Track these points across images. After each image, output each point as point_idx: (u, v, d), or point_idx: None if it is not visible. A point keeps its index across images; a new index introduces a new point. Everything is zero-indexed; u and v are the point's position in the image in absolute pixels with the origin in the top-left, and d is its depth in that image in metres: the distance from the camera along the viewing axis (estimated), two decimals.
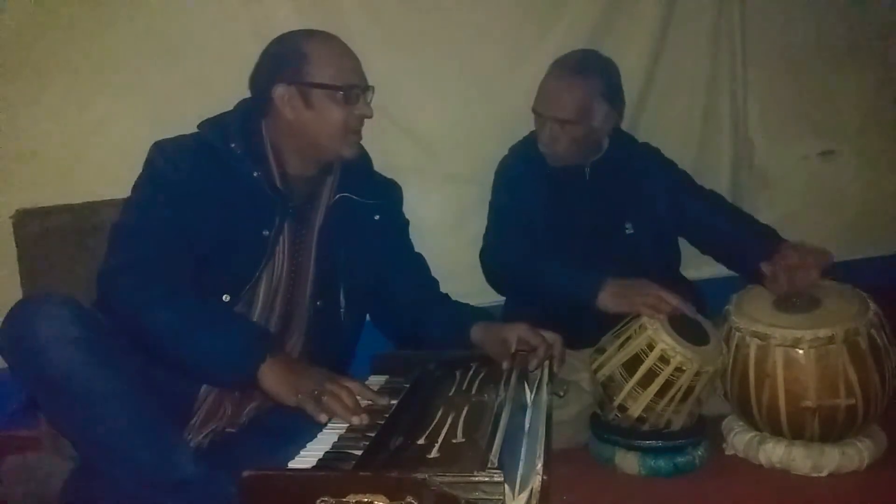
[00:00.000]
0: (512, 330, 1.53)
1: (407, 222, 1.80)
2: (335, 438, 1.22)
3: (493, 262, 1.97)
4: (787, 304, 1.76)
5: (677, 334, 1.68)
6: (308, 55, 1.54)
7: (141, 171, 1.52)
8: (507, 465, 1.01)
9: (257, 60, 1.59)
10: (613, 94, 1.98)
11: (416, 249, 1.78)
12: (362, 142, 1.65)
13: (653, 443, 1.71)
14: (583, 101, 1.92)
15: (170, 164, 1.50)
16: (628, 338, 1.72)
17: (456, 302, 1.72)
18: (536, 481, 1.03)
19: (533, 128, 2.09)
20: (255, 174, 1.52)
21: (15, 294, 1.72)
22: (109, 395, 1.28)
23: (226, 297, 1.49)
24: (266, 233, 1.52)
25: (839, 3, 2.57)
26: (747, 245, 1.94)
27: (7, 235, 1.73)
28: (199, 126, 1.56)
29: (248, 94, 1.62)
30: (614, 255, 1.95)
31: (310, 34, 1.59)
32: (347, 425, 1.26)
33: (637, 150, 2.12)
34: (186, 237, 1.46)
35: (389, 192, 1.76)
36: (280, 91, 1.54)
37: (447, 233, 2.19)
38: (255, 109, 1.59)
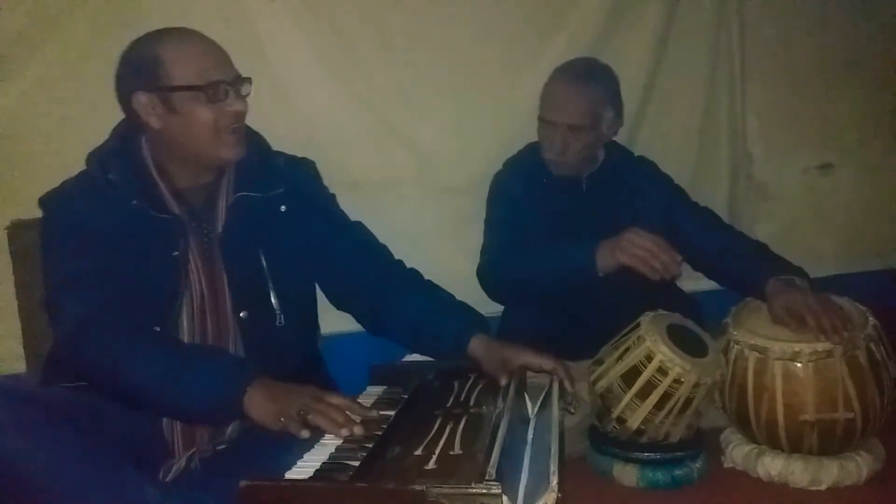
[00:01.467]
0: (517, 354, 1.49)
1: (331, 196, 1.73)
2: (332, 449, 1.21)
3: (494, 278, 1.96)
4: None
5: (675, 346, 1.68)
6: (161, 58, 1.44)
7: (40, 235, 1.50)
8: (506, 477, 1.01)
9: (115, 76, 1.51)
10: (617, 100, 2.00)
11: (412, 260, 1.74)
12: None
13: (651, 455, 1.71)
14: (593, 106, 1.93)
15: (60, 215, 1.47)
16: (627, 349, 1.72)
17: (443, 293, 1.67)
18: (551, 498, 1.02)
19: (530, 139, 2.09)
20: (133, 202, 1.45)
21: (11, 306, 1.72)
22: (57, 466, 1.21)
23: (157, 328, 1.45)
24: (175, 253, 1.47)
25: (838, 17, 2.58)
26: (740, 263, 1.93)
27: (2, 246, 1.72)
28: (85, 159, 1.52)
29: None
30: None
31: (162, 34, 1.48)
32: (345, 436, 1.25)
33: (633, 162, 2.12)
34: (112, 278, 1.42)
35: (293, 177, 1.64)
36: (140, 100, 1.46)
37: (444, 243, 2.19)
38: (130, 129, 1.52)
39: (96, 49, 1.83)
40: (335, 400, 1.30)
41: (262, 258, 1.54)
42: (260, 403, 1.31)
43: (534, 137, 2.10)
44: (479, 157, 2.21)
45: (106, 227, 1.45)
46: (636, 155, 2.17)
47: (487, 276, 1.97)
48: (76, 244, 1.45)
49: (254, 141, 1.60)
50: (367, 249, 1.70)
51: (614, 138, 2.11)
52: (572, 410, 1.51)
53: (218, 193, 1.55)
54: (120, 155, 1.51)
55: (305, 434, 1.25)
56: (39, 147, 1.82)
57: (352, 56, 2.09)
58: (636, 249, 1.71)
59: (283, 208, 1.59)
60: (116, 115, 1.82)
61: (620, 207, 2.03)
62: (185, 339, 1.49)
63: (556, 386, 1.44)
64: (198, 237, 1.52)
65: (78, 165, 1.55)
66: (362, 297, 1.68)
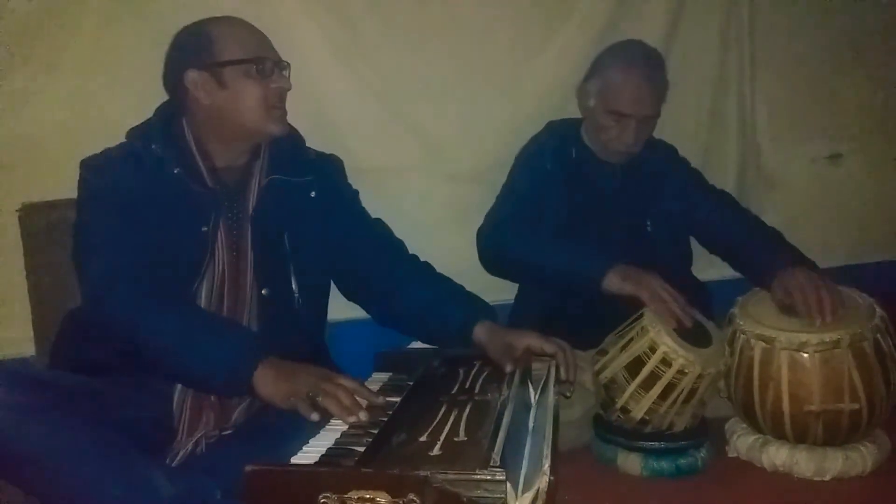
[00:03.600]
0: (520, 337, 1.52)
1: (354, 193, 1.77)
2: (338, 435, 1.22)
3: (496, 250, 1.94)
4: (792, 308, 1.75)
5: (679, 337, 1.68)
6: (212, 36, 1.53)
7: (77, 193, 1.53)
8: (509, 464, 1.01)
9: (165, 59, 1.59)
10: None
11: (418, 248, 1.76)
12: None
13: (655, 444, 1.71)
14: (661, 95, 1.95)
15: (100, 177, 1.51)
16: (630, 340, 1.72)
17: (449, 282, 1.70)
18: (543, 481, 1.03)
19: (538, 126, 2.09)
20: (175, 171, 1.51)
21: (21, 289, 1.73)
22: (64, 449, 1.23)
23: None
24: (204, 229, 1.51)
25: (847, 7, 2.56)
26: (755, 248, 1.93)
27: (13, 229, 1.73)
28: (126, 134, 1.57)
29: None
30: (634, 251, 1.93)
31: (211, 19, 1.58)
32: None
33: (655, 146, 2.11)
34: (142, 243, 1.46)
35: (324, 168, 1.71)
36: (192, 76, 1.53)
37: (450, 232, 2.18)
38: (174, 109, 1.59)
39: (105, 36, 1.83)
40: (345, 382, 1.31)
41: (286, 241, 1.59)
42: (270, 381, 1.33)
43: (543, 124, 2.09)
44: (487, 144, 2.21)
45: (142, 193, 1.49)
46: (656, 139, 2.16)
47: (489, 244, 1.95)
48: (111, 205, 1.49)
49: (288, 131, 1.64)
50: (385, 246, 1.73)
51: None
52: (567, 395, 1.52)
53: (251, 175, 1.60)
54: (164, 129, 1.56)
55: (315, 417, 1.26)
56: (48, 133, 1.82)
57: (359, 43, 2.08)
58: (656, 290, 1.72)
59: (312, 194, 1.64)
60: (126, 100, 1.83)
61: (646, 192, 2.03)
62: None
63: (552, 371, 1.44)
64: (227, 215, 1.56)
65: (87, 150, 1.56)
66: (372, 289, 1.71)
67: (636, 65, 1.93)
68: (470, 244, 2.05)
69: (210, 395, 1.50)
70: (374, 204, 1.78)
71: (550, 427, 1.19)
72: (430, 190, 2.20)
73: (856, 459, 1.65)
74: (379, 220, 1.76)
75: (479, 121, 2.23)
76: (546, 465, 1.05)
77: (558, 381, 1.44)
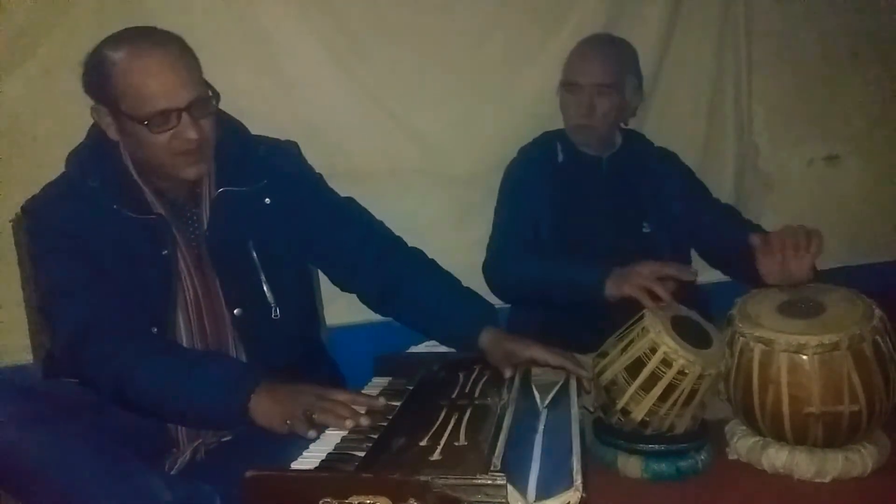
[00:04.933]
0: (525, 348, 1.50)
1: (317, 177, 1.68)
2: (338, 440, 1.22)
3: (499, 274, 1.95)
4: (791, 309, 1.75)
5: (680, 337, 1.68)
6: (110, 77, 1.37)
7: (29, 243, 1.49)
8: (513, 469, 1.01)
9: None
10: (637, 69, 2.02)
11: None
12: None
13: (655, 446, 1.70)
14: (619, 66, 1.96)
15: (45, 224, 1.46)
16: (631, 341, 1.72)
17: (453, 279, 1.67)
18: (575, 497, 1.02)
19: (535, 130, 2.09)
20: (114, 206, 1.43)
21: (17, 297, 1.72)
22: (63, 457, 1.22)
23: (154, 330, 1.44)
24: (165, 252, 1.45)
25: (844, 8, 2.57)
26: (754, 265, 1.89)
27: (7, 237, 1.72)
28: (66, 159, 1.49)
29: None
30: (632, 253, 1.91)
31: (120, 45, 1.39)
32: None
33: (654, 151, 2.11)
34: (106, 282, 1.41)
35: (276, 164, 1.60)
36: (96, 110, 1.43)
37: (449, 233, 2.19)
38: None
39: (101, 40, 1.83)
40: (339, 396, 1.30)
41: (253, 252, 1.52)
42: (265, 408, 1.31)
43: (540, 128, 2.09)
44: (484, 147, 2.21)
45: (92, 231, 1.43)
46: (656, 145, 2.16)
47: (492, 274, 1.96)
48: (65, 249, 1.43)
49: (232, 130, 1.57)
50: (361, 227, 1.67)
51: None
52: (591, 410, 1.50)
53: (201, 190, 1.52)
54: (98, 157, 1.47)
55: (313, 434, 1.25)
56: (45, 138, 1.82)
57: (356, 47, 2.08)
58: (643, 281, 1.70)
59: (267, 200, 1.56)
60: None
61: (641, 194, 2.03)
62: (184, 339, 1.47)
63: (573, 382, 1.43)
64: (185, 235, 1.50)
65: None
66: (365, 277, 1.66)
67: (588, 41, 2.01)
68: (468, 246, 2.05)
69: (213, 430, 1.47)
70: (372, 207, 1.77)
71: (578, 442, 1.17)
72: (428, 193, 2.20)
73: (856, 461, 1.65)
74: (350, 198, 1.69)
75: (475, 124, 2.24)
76: (578, 481, 1.04)
77: (581, 392, 1.43)
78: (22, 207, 1.49)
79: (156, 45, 1.39)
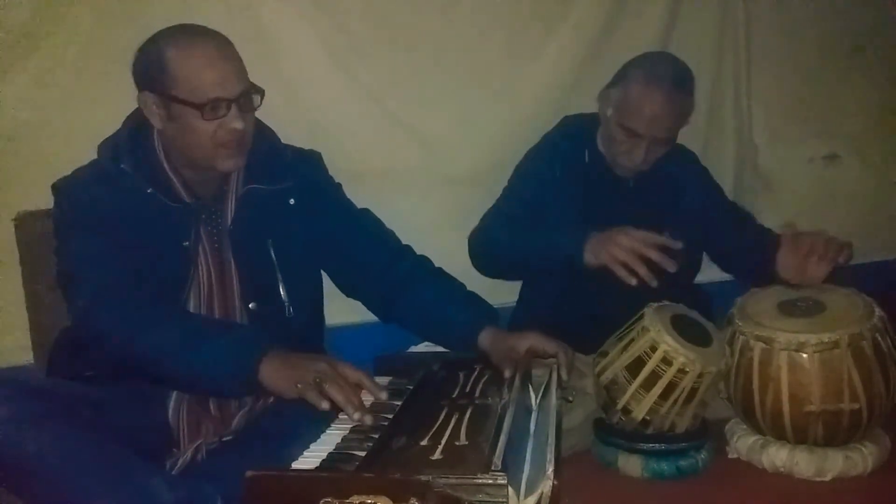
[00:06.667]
0: (522, 339, 1.52)
1: (337, 186, 1.73)
2: (339, 440, 1.22)
3: (479, 242, 1.93)
4: (791, 308, 1.75)
5: (680, 336, 1.68)
6: (166, 64, 1.43)
7: (53, 217, 1.52)
8: (511, 468, 1.01)
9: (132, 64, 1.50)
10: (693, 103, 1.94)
11: (417, 250, 1.75)
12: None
13: (656, 446, 1.71)
14: (682, 119, 1.88)
15: (74, 200, 1.49)
16: (631, 340, 1.72)
17: (454, 282, 1.69)
18: (547, 486, 1.02)
19: (536, 128, 2.08)
20: (148, 191, 1.47)
21: (18, 296, 1.73)
22: (64, 457, 1.22)
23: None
24: (185, 243, 1.49)
25: (844, 6, 2.56)
26: (766, 259, 1.87)
27: (9, 237, 1.73)
28: (97, 148, 1.54)
29: None
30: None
31: (175, 35, 1.46)
32: (351, 426, 1.26)
33: (676, 154, 2.03)
34: (125, 261, 1.44)
35: (301, 170, 1.65)
36: (144, 98, 1.47)
37: (448, 233, 2.18)
38: (143, 119, 1.52)
39: (101, 41, 1.83)
40: (350, 371, 1.31)
41: (272, 250, 1.56)
42: (275, 372, 1.32)
43: (540, 129, 2.09)
44: (484, 146, 2.21)
45: (118, 213, 1.47)
46: (688, 157, 2.12)
47: (474, 242, 1.94)
48: (89, 226, 1.47)
49: (263, 135, 1.61)
50: (375, 236, 1.72)
51: None
52: (570, 399, 1.51)
53: (228, 186, 1.57)
54: (131, 145, 1.52)
55: (325, 406, 1.25)
56: (45, 139, 1.82)
57: (356, 46, 2.08)
58: (620, 253, 1.65)
59: (291, 201, 1.61)
60: (121, 107, 1.82)
61: (664, 202, 1.98)
62: None
63: (554, 375, 1.44)
64: (208, 228, 1.54)
65: (84, 157, 1.56)
66: (372, 284, 1.70)
67: (659, 84, 1.81)
68: (468, 246, 2.05)
69: (219, 397, 1.49)
70: (372, 207, 1.77)
71: (553, 431, 1.18)
72: (428, 192, 2.20)
73: (856, 460, 1.65)
74: (367, 210, 1.74)
75: (476, 123, 2.23)
76: (550, 470, 1.04)
77: (560, 385, 1.44)
78: (52, 185, 1.52)
79: (211, 37, 1.47)
